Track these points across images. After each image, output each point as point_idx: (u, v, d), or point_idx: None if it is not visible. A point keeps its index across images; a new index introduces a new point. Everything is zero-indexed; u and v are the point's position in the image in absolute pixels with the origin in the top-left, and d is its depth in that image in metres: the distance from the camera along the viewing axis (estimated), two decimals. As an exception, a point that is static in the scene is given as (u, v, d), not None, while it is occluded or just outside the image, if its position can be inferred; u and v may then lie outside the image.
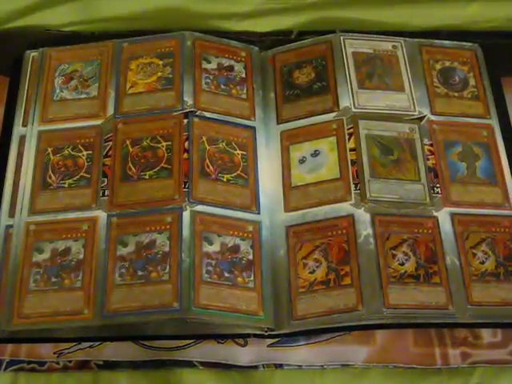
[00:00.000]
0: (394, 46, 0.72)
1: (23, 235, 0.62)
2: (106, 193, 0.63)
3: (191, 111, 0.66)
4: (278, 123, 0.68)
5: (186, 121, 0.66)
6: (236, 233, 0.61)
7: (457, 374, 0.60)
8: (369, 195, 0.62)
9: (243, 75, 0.70)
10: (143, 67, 0.70)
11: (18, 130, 0.68)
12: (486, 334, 0.61)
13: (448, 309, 0.58)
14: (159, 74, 0.69)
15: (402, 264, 0.59)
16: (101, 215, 0.62)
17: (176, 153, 0.64)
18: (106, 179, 0.64)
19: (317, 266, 0.60)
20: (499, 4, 0.77)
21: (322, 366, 0.60)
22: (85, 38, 0.75)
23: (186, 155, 0.64)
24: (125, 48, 0.72)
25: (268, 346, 0.60)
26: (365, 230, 0.60)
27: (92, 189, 0.64)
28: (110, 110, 0.68)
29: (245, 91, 0.69)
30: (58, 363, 0.60)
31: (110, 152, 0.65)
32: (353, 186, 0.63)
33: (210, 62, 0.70)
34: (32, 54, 0.72)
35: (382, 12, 0.78)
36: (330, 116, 0.67)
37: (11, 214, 0.64)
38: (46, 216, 0.63)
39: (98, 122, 0.67)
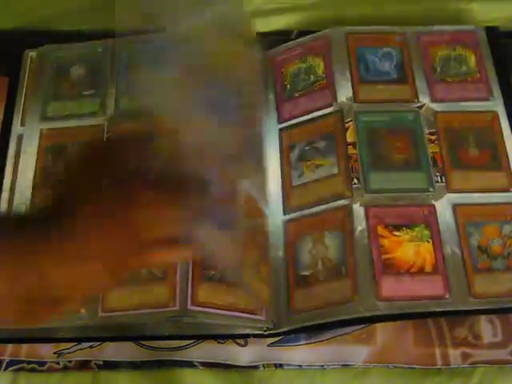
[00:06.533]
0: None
1: None
2: None
3: None
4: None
5: None
6: None
7: (457, 374, 0.60)
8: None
9: None
10: None
11: (16, 129, 0.68)
12: (486, 334, 0.61)
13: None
14: None
15: None
16: None
17: None
18: None
19: None
20: (500, 4, 0.78)
21: (322, 365, 0.60)
22: (85, 36, 0.75)
23: None
24: None
25: (268, 345, 0.60)
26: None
27: None
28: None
29: None
30: (58, 363, 0.60)
31: None
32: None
33: None
34: (31, 54, 0.72)
35: (381, 12, 0.78)
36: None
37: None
38: None
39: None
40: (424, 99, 0.67)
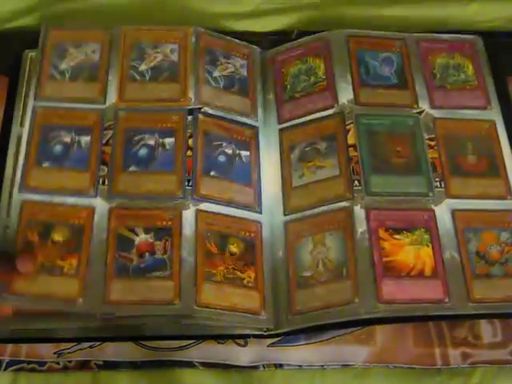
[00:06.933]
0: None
1: None
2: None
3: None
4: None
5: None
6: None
7: (457, 374, 0.60)
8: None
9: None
10: None
11: (16, 129, 0.68)
12: (486, 334, 0.61)
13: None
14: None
15: None
16: None
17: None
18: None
19: None
20: (500, 4, 0.78)
21: (322, 365, 0.60)
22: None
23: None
24: None
25: (268, 345, 0.60)
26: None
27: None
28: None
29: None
30: (58, 363, 0.60)
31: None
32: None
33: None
34: (30, 54, 0.72)
35: (381, 12, 0.78)
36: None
37: (9, 215, 0.63)
38: None
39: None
40: (424, 105, 0.68)
